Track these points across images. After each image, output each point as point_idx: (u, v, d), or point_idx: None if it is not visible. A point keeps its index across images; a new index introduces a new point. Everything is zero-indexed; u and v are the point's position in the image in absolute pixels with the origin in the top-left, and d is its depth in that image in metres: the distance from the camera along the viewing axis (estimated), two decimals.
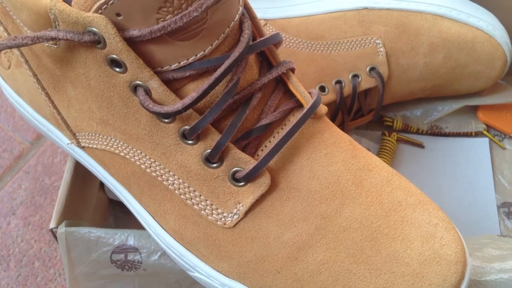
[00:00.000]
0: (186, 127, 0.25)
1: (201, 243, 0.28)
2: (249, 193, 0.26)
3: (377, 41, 0.41)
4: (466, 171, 0.46)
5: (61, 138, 0.31)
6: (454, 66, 0.42)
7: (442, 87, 0.44)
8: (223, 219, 0.27)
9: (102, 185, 0.40)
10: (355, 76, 0.42)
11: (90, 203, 0.38)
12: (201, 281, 0.29)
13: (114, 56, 0.24)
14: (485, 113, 0.47)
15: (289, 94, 0.28)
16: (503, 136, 0.47)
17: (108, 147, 0.28)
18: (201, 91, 0.24)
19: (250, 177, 0.26)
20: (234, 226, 0.27)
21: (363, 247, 0.26)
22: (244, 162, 0.26)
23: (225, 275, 0.28)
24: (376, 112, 0.44)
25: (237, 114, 0.26)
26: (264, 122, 0.26)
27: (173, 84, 0.25)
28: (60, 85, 0.28)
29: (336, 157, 0.27)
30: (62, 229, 0.31)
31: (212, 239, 0.27)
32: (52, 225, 0.32)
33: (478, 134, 0.47)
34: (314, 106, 0.27)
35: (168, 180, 0.27)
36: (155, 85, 0.24)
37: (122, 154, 0.28)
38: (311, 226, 0.26)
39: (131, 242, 0.31)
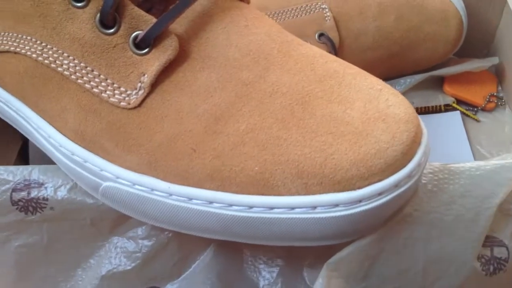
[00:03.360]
0: None
1: (105, 136, 0.23)
2: (153, 61, 0.23)
3: (323, 6, 0.40)
4: (441, 145, 0.41)
5: None
6: (408, 29, 0.40)
7: (399, 57, 0.42)
8: (127, 98, 0.23)
9: (23, 156, 0.36)
10: None
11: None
12: (110, 192, 0.24)
13: None
14: (452, 86, 0.44)
15: None
16: (476, 109, 0.43)
17: (1, 47, 0.25)
18: None
19: (152, 38, 0.22)
20: (140, 105, 0.23)
21: (294, 110, 0.22)
22: (144, 21, 0.23)
23: (134, 171, 0.23)
24: None
25: None
26: None
27: None
28: None
29: (259, 29, 0.24)
30: None
31: (116, 128, 0.23)
32: None
33: (447, 109, 0.43)
34: None
35: (62, 64, 0.24)
36: None
37: (12, 49, 0.25)
38: (231, 94, 0.22)
39: (35, 176, 0.26)
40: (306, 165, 0.21)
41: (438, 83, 0.44)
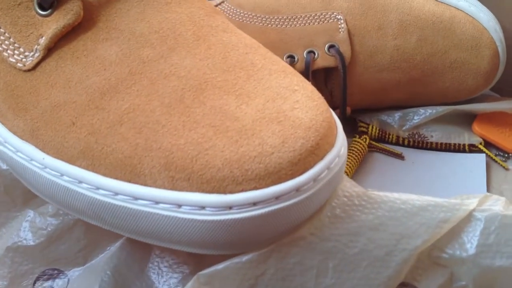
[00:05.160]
0: None
1: (0, 97, 0.22)
2: (53, 23, 0.22)
3: (338, 17, 0.37)
4: (455, 190, 0.36)
5: None
6: (431, 53, 0.36)
7: (420, 83, 0.38)
8: (24, 59, 0.22)
9: None
10: (311, 52, 0.37)
11: None
12: (2, 157, 0.23)
13: None
14: (482, 125, 0.39)
15: None
16: (507, 155, 0.37)
17: None
18: None
19: None
20: (34, 68, 0.22)
21: (184, 97, 0.20)
22: None
23: (19, 136, 0.22)
24: (342, 104, 0.38)
25: None
26: None
27: None
28: None
29: (182, 8, 0.22)
30: None
31: (10, 89, 0.22)
32: None
33: (472, 150, 0.38)
34: None
35: None
36: None
37: None
38: (125, 70, 0.21)
39: None
40: (177, 156, 0.19)
41: (466, 119, 0.39)
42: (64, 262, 0.25)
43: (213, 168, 0.18)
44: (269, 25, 0.38)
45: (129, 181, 0.20)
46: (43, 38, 0.22)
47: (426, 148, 0.39)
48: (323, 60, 0.37)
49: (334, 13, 0.37)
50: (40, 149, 0.22)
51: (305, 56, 0.37)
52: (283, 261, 0.20)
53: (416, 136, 0.39)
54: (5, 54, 0.23)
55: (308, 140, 0.18)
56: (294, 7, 0.38)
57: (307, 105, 0.19)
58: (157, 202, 0.19)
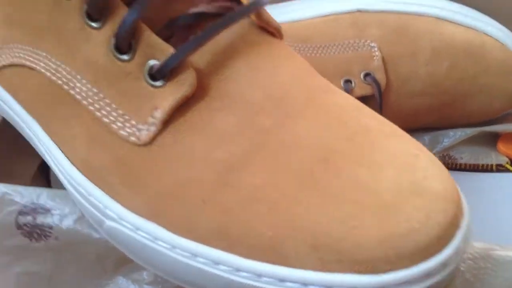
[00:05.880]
0: (88, 1, 0.21)
1: (111, 171, 0.21)
2: (168, 95, 0.20)
3: (372, 45, 0.37)
4: (487, 209, 0.38)
5: None
6: (461, 78, 0.37)
7: (450, 107, 0.39)
8: (137, 132, 0.21)
9: (43, 171, 0.34)
10: (348, 81, 0.37)
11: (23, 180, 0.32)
12: (113, 232, 0.22)
13: None
14: (506, 145, 0.40)
15: None
16: None
17: (15, 59, 0.24)
18: None
19: (168, 70, 0.20)
20: (150, 142, 0.21)
21: (314, 169, 0.19)
22: (161, 50, 0.21)
23: (139, 214, 0.21)
24: None
25: None
26: (193, 10, 0.21)
27: None
28: None
29: (289, 70, 0.22)
30: None
31: (123, 164, 0.21)
32: None
33: (500, 169, 0.39)
34: (256, 4, 0.22)
35: (75, 87, 0.22)
36: None
37: (28, 63, 0.23)
38: (247, 141, 0.20)
39: (42, 201, 0.25)
40: (323, 237, 0.18)
41: (492, 140, 0.41)
42: None
43: (365, 248, 0.18)
44: (302, 53, 0.37)
45: (274, 263, 0.19)
46: (159, 110, 0.21)
47: (456, 169, 0.40)
48: (361, 89, 0.37)
49: (368, 41, 0.37)
50: (166, 228, 0.21)
51: (343, 85, 0.37)
52: None
53: (446, 158, 0.40)
54: (113, 126, 0.21)
55: (448, 211, 0.18)
56: (327, 35, 0.38)
57: (435, 172, 0.19)
58: (306, 285, 0.19)
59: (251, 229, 0.19)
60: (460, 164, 0.40)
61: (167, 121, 0.21)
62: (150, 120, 0.21)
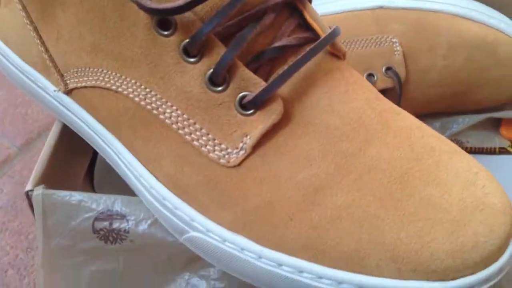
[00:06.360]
0: (187, 40, 0.22)
1: (200, 189, 0.23)
2: (258, 123, 0.23)
3: (394, 40, 0.39)
4: None
5: (47, 87, 0.28)
6: (475, 70, 0.40)
7: (462, 95, 0.42)
8: (226, 156, 0.23)
9: (88, 175, 0.36)
10: (370, 75, 0.39)
11: (74, 184, 0.34)
12: (198, 242, 0.24)
13: None
14: (508, 129, 0.44)
15: (304, 27, 0.25)
16: None
17: (98, 82, 0.25)
18: None
19: (260, 101, 0.22)
20: (239, 164, 0.23)
21: (392, 190, 0.22)
22: (254, 83, 0.23)
23: (227, 228, 0.23)
24: None
25: (247, 29, 0.23)
26: (277, 44, 0.23)
27: None
28: (50, 12, 0.25)
29: (359, 95, 0.24)
30: (39, 191, 0.27)
31: (213, 183, 0.23)
32: (28, 187, 0.27)
33: (502, 151, 0.43)
34: (332, 35, 0.24)
35: (165, 112, 0.24)
36: None
37: (113, 87, 0.25)
38: (330, 165, 0.22)
39: (117, 207, 0.27)
40: (402, 250, 0.21)
41: (496, 125, 0.44)
42: None
43: (438, 260, 0.21)
44: None
45: (354, 272, 0.22)
46: (249, 137, 0.23)
47: None
48: (382, 82, 0.39)
49: (390, 37, 0.40)
50: (253, 241, 0.23)
51: (366, 79, 0.39)
52: None
53: (455, 142, 0.43)
54: (203, 149, 0.23)
55: (506, 224, 0.22)
56: (351, 31, 0.40)
57: (493, 189, 0.22)
58: None
59: (337, 243, 0.22)
60: (467, 148, 0.43)
61: (255, 146, 0.23)
62: (240, 145, 0.23)
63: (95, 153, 0.35)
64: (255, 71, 0.23)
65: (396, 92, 0.40)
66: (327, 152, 0.23)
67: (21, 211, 0.42)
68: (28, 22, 0.27)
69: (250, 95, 0.23)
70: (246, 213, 0.23)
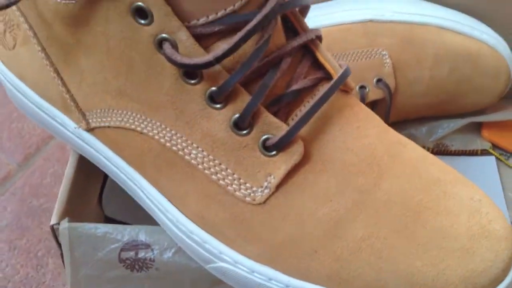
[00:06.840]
0: (213, 88, 0.24)
1: (227, 225, 0.25)
2: (281, 163, 0.24)
3: (383, 53, 0.41)
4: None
5: (67, 124, 0.29)
6: (460, 80, 0.42)
7: (447, 104, 0.44)
8: (252, 194, 0.24)
9: (99, 199, 0.37)
10: (362, 87, 0.41)
11: (89, 208, 0.35)
12: (225, 272, 0.26)
13: (140, 3, 0.22)
14: (489, 131, 0.46)
15: (316, 66, 0.27)
16: (509, 154, 0.46)
17: (123, 123, 0.26)
18: (232, 43, 0.23)
19: (283, 144, 0.24)
20: (264, 202, 0.24)
21: (406, 221, 0.24)
22: (276, 127, 0.24)
23: (254, 260, 0.25)
24: None
25: (268, 76, 0.24)
26: (294, 87, 0.25)
27: (201, 41, 0.24)
28: (72, 56, 0.26)
29: (369, 130, 0.26)
30: (65, 225, 0.28)
31: (239, 220, 0.25)
32: (53, 221, 0.29)
33: (484, 153, 0.46)
34: (344, 75, 0.26)
35: (190, 154, 0.25)
36: (184, 37, 0.23)
37: (138, 129, 0.26)
38: (348, 200, 0.24)
39: (142, 237, 0.28)
40: (419, 277, 0.23)
41: (478, 127, 0.47)
42: None
43: (452, 285, 0.23)
44: None
45: None
46: (273, 176, 0.24)
47: (448, 155, 0.46)
48: (373, 93, 0.42)
49: (379, 49, 0.42)
50: (280, 272, 0.25)
51: (358, 91, 0.41)
52: None
53: (440, 146, 0.46)
54: (229, 188, 0.25)
55: (509, 249, 0.24)
56: (342, 43, 0.42)
57: (495, 216, 0.25)
58: None
59: (359, 274, 0.24)
60: (451, 151, 0.46)
61: (278, 184, 0.24)
62: (265, 184, 0.24)
63: (105, 176, 0.36)
64: (275, 114, 0.25)
65: (386, 103, 0.42)
66: (345, 188, 0.25)
67: (27, 229, 0.42)
68: (48, 63, 0.27)
69: (273, 138, 0.24)
70: (273, 247, 0.25)
